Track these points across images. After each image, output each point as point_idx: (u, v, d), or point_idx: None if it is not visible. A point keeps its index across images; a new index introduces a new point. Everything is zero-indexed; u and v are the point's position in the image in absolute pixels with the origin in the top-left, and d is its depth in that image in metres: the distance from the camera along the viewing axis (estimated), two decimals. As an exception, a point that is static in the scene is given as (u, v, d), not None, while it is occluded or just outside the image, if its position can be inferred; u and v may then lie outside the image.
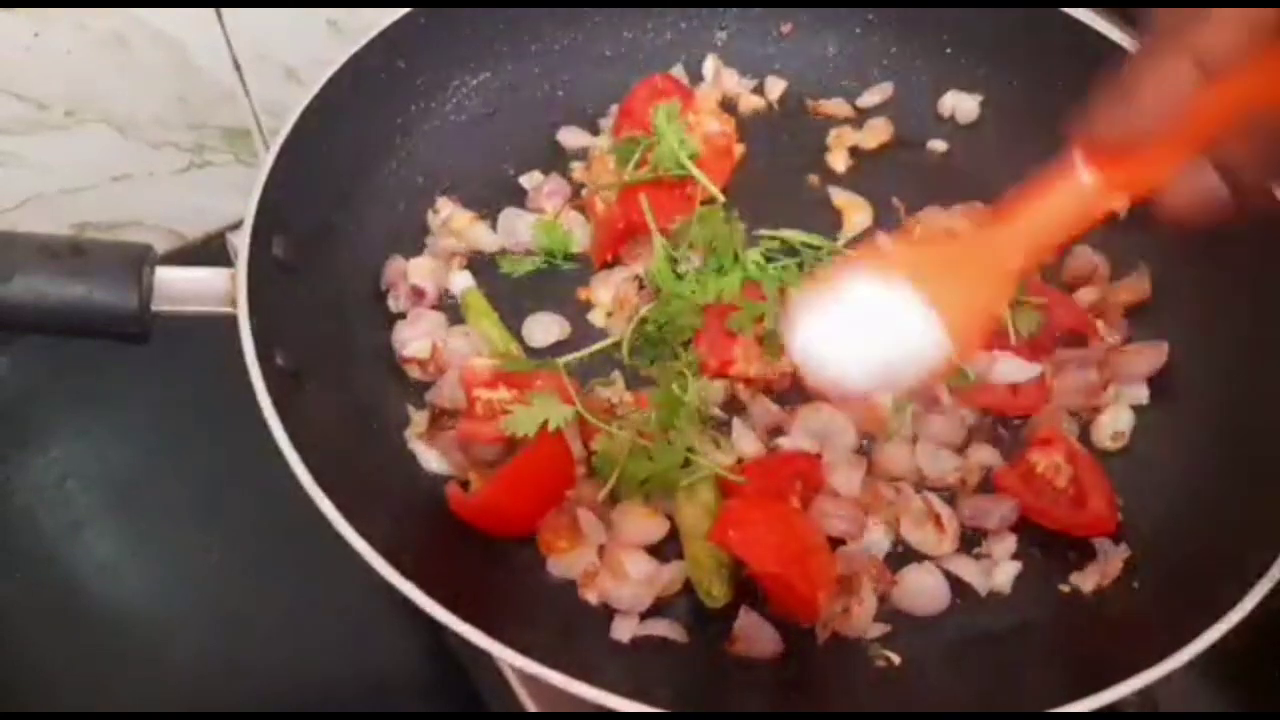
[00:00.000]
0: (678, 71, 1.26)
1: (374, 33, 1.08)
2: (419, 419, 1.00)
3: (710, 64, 1.28)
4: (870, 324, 0.71)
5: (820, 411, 0.99)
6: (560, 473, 0.94)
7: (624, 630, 0.88)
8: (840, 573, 0.90)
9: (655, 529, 0.93)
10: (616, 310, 1.08)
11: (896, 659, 0.88)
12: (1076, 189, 0.69)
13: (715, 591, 0.89)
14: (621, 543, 0.92)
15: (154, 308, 0.87)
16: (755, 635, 0.87)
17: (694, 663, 0.86)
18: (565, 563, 0.92)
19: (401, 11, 1.10)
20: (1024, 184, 0.71)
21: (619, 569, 0.89)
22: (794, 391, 1.03)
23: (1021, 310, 1.03)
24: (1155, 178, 0.66)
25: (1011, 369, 1.00)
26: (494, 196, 1.16)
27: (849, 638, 0.89)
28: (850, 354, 0.71)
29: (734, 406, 1.02)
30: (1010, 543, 0.94)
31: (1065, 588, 0.92)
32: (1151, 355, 1.03)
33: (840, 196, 1.17)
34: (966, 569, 0.92)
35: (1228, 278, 1.03)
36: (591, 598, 0.90)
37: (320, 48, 1.26)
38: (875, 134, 1.23)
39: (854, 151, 1.23)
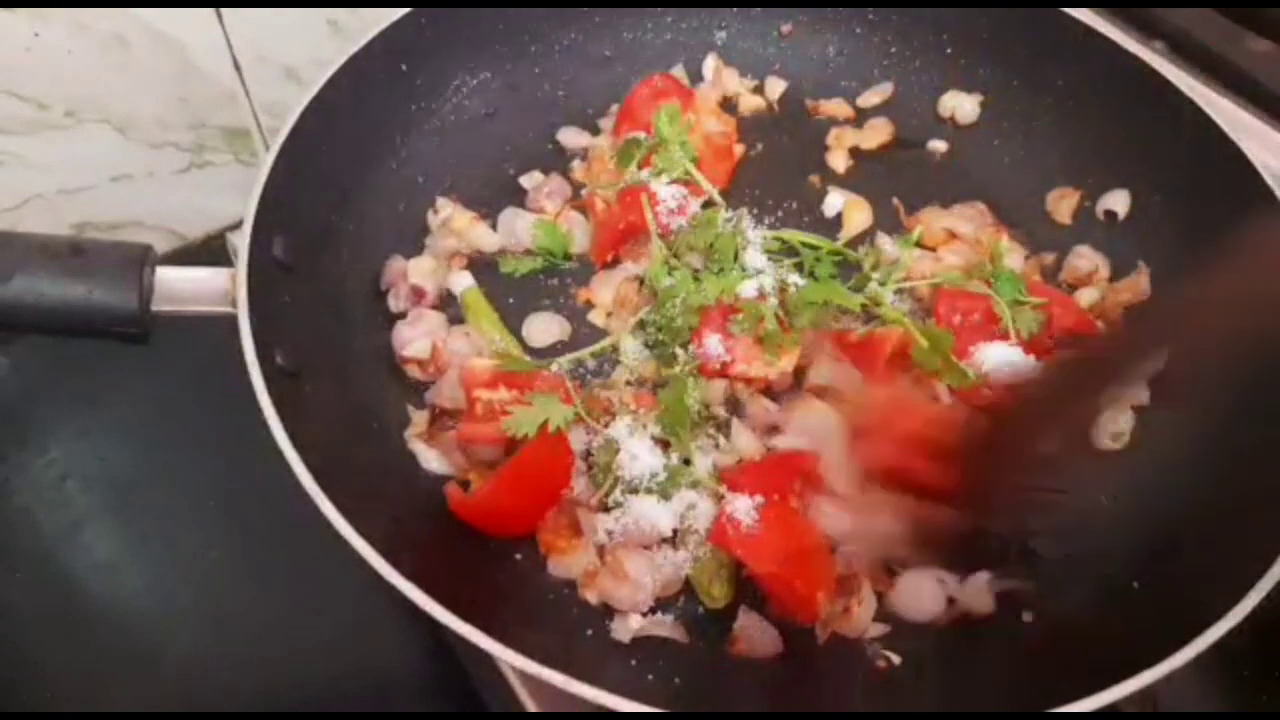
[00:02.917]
0: (678, 71, 1.26)
1: (374, 33, 1.08)
2: (419, 419, 1.00)
3: (710, 64, 1.28)
4: None
5: (814, 409, 0.99)
6: (559, 472, 0.94)
7: (624, 630, 0.88)
8: (840, 573, 0.90)
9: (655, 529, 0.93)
10: (616, 310, 1.08)
11: (896, 659, 0.88)
12: None
13: (715, 591, 0.89)
14: (621, 543, 0.92)
15: (154, 308, 0.87)
16: (755, 635, 0.87)
17: (694, 663, 0.86)
18: (565, 563, 0.92)
19: (401, 11, 1.10)
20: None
21: (619, 569, 0.89)
22: (793, 391, 1.03)
23: (1021, 310, 1.03)
24: None
25: (1010, 361, 1.00)
26: (494, 196, 1.16)
27: (849, 638, 0.89)
28: None
29: (734, 406, 1.02)
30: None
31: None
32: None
33: (840, 196, 1.17)
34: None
35: (1227, 278, 1.03)
36: (591, 598, 0.90)
37: (320, 48, 1.26)
38: (875, 134, 1.24)
39: (854, 151, 1.23)
